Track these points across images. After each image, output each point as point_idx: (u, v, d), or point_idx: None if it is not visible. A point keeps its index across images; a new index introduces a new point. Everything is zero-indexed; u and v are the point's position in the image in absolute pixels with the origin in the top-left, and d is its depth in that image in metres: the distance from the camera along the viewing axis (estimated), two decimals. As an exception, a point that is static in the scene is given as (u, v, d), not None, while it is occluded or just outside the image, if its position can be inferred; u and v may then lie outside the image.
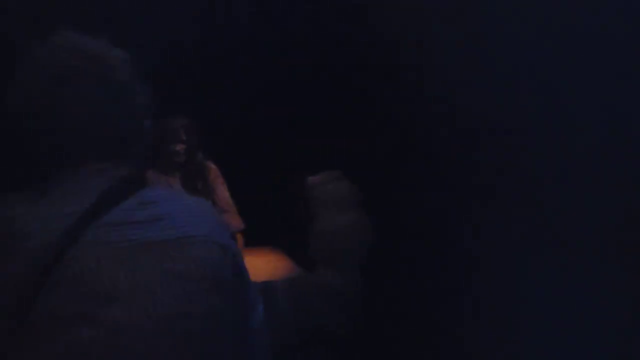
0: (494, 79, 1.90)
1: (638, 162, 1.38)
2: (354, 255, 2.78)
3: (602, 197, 1.48)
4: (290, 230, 4.17)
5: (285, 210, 4.31)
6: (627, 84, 1.40)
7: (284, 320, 2.91)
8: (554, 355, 1.62)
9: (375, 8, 2.73)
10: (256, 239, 3.97)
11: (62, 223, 0.97)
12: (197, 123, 3.55)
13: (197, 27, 3.89)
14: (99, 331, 0.90)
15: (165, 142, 3.45)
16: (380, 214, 2.82)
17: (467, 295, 2.24)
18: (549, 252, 1.67)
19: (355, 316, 2.72)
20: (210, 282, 1.04)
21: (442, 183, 2.43)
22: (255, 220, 3.90)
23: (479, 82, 1.97)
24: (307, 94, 3.67)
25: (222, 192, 3.69)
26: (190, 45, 3.92)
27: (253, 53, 3.99)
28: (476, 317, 2.16)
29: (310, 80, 3.72)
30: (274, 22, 3.85)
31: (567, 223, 1.61)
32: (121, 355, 0.91)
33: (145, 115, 1.22)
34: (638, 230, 1.37)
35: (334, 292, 2.78)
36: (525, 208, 1.83)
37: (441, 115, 2.32)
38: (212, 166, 3.67)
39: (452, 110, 2.25)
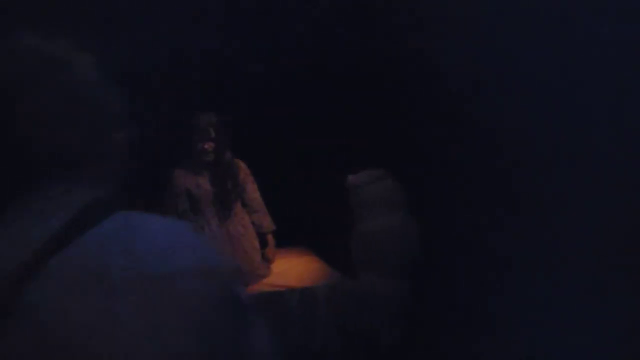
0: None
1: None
2: (398, 260, 2.64)
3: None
4: (322, 230, 4.05)
5: (317, 209, 4.19)
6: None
7: (325, 327, 2.77)
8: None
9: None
10: (287, 239, 3.83)
11: (20, 251, 0.82)
12: (227, 120, 3.41)
13: (225, 25, 3.77)
14: None
15: (194, 140, 3.32)
16: (428, 216, 2.68)
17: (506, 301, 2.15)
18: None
19: (399, 323, 2.58)
20: (192, 319, 0.87)
21: (483, 185, 2.32)
22: (286, 220, 3.76)
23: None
24: (343, 91, 3.53)
25: (253, 191, 3.55)
26: (220, 44, 3.80)
27: (281, 52, 3.86)
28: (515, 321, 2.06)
29: (344, 77, 3.57)
30: (305, 21, 3.71)
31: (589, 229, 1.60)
32: None
33: (117, 127, 1.04)
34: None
35: (375, 298, 2.64)
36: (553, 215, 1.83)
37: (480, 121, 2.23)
38: (242, 165, 3.54)
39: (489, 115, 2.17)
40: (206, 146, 3.31)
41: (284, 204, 3.80)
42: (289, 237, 3.83)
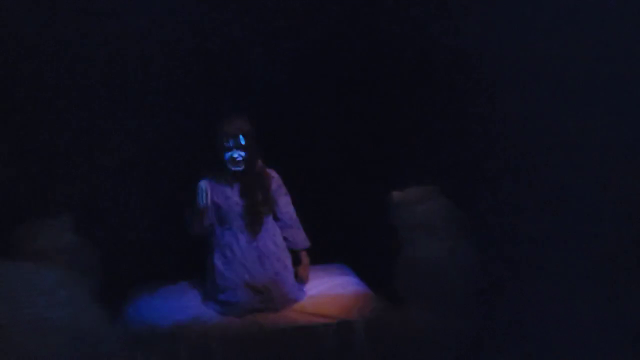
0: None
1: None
2: (450, 293, 2.29)
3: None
4: (362, 246, 3.71)
5: (355, 223, 3.86)
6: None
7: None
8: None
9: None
10: (322, 254, 3.51)
11: None
12: (257, 127, 3.11)
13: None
14: None
15: (222, 148, 3.02)
16: (486, 242, 2.33)
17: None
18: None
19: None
20: None
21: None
22: (322, 234, 3.44)
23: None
24: (385, 97, 3.21)
25: (285, 204, 3.24)
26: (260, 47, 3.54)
27: (317, 58, 3.56)
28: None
29: (387, 81, 3.25)
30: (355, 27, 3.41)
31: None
32: None
33: None
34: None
35: (423, 335, 2.29)
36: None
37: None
38: (274, 175, 3.23)
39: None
40: (236, 155, 3.02)
41: (319, 218, 3.48)
42: (324, 251, 3.50)
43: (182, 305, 3.04)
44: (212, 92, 3.57)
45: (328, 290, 3.14)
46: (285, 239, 3.22)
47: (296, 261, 3.27)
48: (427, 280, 2.22)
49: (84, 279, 2.38)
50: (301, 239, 3.29)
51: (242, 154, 3.02)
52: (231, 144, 3.01)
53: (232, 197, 3.11)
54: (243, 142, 3.02)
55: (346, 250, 3.72)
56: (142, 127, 3.54)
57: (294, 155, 3.57)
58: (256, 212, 3.10)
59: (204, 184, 2.92)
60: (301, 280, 3.23)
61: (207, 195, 2.90)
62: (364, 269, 3.50)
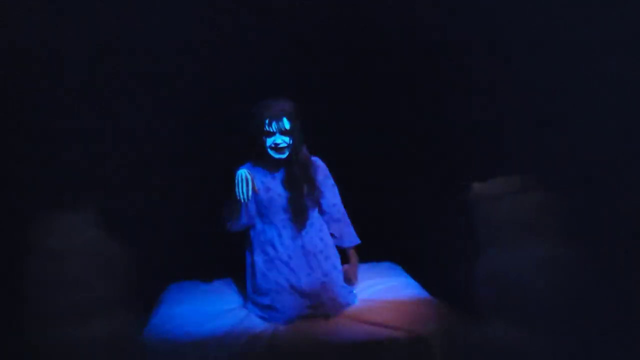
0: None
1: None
2: (542, 306, 1.91)
3: None
4: (413, 242, 3.34)
5: (406, 217, 3.50)
6: None
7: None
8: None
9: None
10: (370, 252, 3.15)
11: None
12: (302, 109, 2.76)
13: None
14: None
15: (263, 133, 2.68)
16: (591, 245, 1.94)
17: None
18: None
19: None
20: None
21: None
22: (368, 229, 3.08)
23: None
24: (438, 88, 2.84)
25: (333, 196, 2.89)
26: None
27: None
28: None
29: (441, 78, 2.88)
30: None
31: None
32: None
33: None
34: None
35: (509, 355, 1.93)
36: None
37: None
38: (320, 164, 2.88)
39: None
40: (279, 141, 2.67)
41: (365, 210, 3.13)
42: (371, 248, 3.14)
43: (218, 309, 2.71)
44: (245, 74, 3.22)
45: (382, 294, 2.78)
46: (331, 235, 2.87)
47: (343, 259, 2.92)
48: (514, 289, 1.84)
49: (112, 280, 2.06)
50: (350, 235, 2.94)
51: (286, 139, 2.67)
52: (273, 128, 2.66)
53: (274, 189, 2.76)
54: (287, 126, 2.67)
55: (396, 247, 3.36)
56: (168, 112, 3.21)
57: (336, 142, 3.22)
58: (301, 206, 2.76)
59: (244, 173, 2.58)
60: (350, 281, 2.88)
61: (248, 185, 2.55)
62: (417, 269, 3.15)
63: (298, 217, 2.75)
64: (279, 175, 2.78)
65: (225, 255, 3.13)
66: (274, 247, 2.74)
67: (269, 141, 2.68)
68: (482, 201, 1.88)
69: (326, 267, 2.72)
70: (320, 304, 2.59)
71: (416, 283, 2.94)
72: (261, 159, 2.77)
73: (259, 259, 2.74)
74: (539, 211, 1.82)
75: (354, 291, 2.81)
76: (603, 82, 1.86)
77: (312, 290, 2.62)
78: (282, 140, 2.67)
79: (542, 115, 1.92)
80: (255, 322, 2.56)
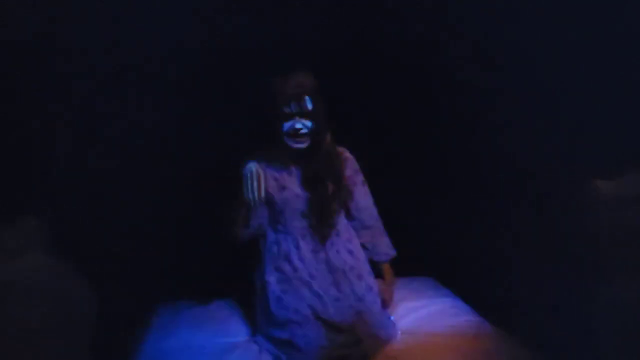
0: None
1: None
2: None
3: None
4: (454, 254, 2.74)
5: (444, 224, 2.91)
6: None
7: None
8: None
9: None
10: (408, 265, 2.55)
11: None
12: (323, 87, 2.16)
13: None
14: None
15: (278, 115, 2.07)
16: None
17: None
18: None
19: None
20: None
21: None
22: (397, 237, 2.48)
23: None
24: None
25: (364, 196, 2.29)
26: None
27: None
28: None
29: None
30: None
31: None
32: None
33: None
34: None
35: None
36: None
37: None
38: (348, 155, 2.28)
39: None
40: (299, 125, 2.06)
41: (392, 214, 2.52)
42: (402, 260, 2.53)
43: (220, 343, 2.09)
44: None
45: (428, 322, 2.18)
46: (362, 245, 2.28)
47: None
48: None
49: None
50: (385, 246, 2.34)
51: (308, 124, 2.07)
52: (293, 109, 2.05)
53: (291, 187, 2.16)
54: (310, 107, 2.06)
55: (432, 259, 2.76)
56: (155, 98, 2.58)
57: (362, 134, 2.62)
58: (325, 208, 2.16)
59: (253, 167, 1.97)
60: (384, 304, 2.28)
61: (259, 182, 1.95)
62: (459, 286, 2.56)
63: (321, 223, 2.15)
64: (296, 171, 2.18)
65: (226, 269, 2.53)
66: (290, 262, 2.14)
67: (286, 126, 2.07)
68: (612, 204, 1.28)
69: (360, 290, 2.11)
70: (356, 340, 1.97)
71: (466, 306, 2.35)
72: (275, 150, 2.17)
73: (271, 278, 2.13)
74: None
75: (392, 317, 2.21)
76: None
77: (344, 321, 2.01)
78: (303, 125, 2.06)
79: None
80: (268, 364, 1.96)
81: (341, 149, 2.26)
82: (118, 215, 2.44)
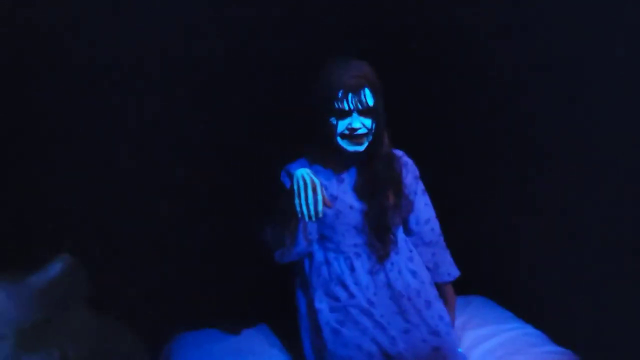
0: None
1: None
2: None
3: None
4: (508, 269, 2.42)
5: (496, 236, 2.58)
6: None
7: None
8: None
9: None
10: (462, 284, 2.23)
11: None
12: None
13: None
14: None
15: (330, 111, 1.73)
16: None
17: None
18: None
19: None
20: None
21: None
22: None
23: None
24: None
25: (425, 208, 1.96)
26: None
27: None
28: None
29: None
30: None
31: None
32: None
33: None
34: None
35: None
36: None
37: None
38: (408, 160, 1.95)
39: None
40: (357, 124, 1.72)
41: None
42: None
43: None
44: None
45: (505, 354, 1.86)
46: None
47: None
48: None
49: None
50: (448, 265, 2.01)
51: (367, 123, 1.73)
52: (350, 104, 1.71)
53: (343, 198, 1.82)
54: (371, 102, 1.72)
55: (482, 275, 2.44)
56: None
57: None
58: (385, 222, 1.82)
59: (306, 174, 1.62)
60: (448, 332, 1.94)
61: (316, 194, 1.60)
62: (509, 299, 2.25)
63: (381, 240, 1.82)
64: (348, 178, 1.84)
65: (258, 290, 2.19)
66: (345, 287, 1.79)
67: (342, 125, 1.72)
68: None
69: (431, 320, 1.78)
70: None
71: (539, 332, 2.03)
72: (324, 153, 1.83)
73: (322, 305, 1.79)
74: None
75: (460, 350, 1.88)
76: None
77: (418, 359, 1.68)
78: (362, 124, 1.72)
79: None
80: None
81: (398, 152, 1.92)
82: (135, 233, 2.09)
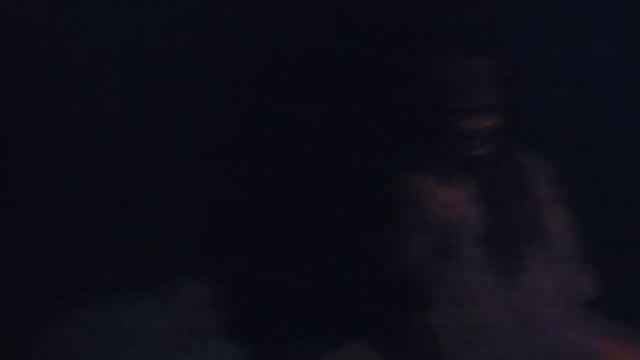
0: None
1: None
2: None
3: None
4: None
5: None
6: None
7: None
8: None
9: None
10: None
11: None
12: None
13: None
14: None
15: (449, 110, 1.60)
16: None
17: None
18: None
19: None
20: None
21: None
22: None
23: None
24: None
25: (556, 218, 1.76)
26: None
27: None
28: None
29: None
30: None
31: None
32: None
33: None
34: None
35: None
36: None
37: None
38: (538, 166, 1.75)
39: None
40: (477, 125, 1.57)
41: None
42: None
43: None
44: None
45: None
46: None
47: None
48: None
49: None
50: (583, 282, 1.79)
51: (490, 123, 1.57)
52: (470, 103, 1.56)
53: (461, 209, 1.66)
54: (494, 101, 1.57)
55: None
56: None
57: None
58: (509, 235, 1.65)
59: (425, 183, 1.49)
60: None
61: (437, 203, 1.47)
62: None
63: (506, 254, 1.65)
64: (469, 185, 1.69)
65: (356, 307, 2.07)
66: (461, 305, 1.64)
67: (460, 126, 1.58)
68: None
69: (562, 348, 1.58)
70: None
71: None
72: (436, 158, 1.69)
73: (436, 324, 1.64)
74: None
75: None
76: None
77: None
78: (483, 125, 1.56)
79: None
80: None
81: (527, 157, 1.73)
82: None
